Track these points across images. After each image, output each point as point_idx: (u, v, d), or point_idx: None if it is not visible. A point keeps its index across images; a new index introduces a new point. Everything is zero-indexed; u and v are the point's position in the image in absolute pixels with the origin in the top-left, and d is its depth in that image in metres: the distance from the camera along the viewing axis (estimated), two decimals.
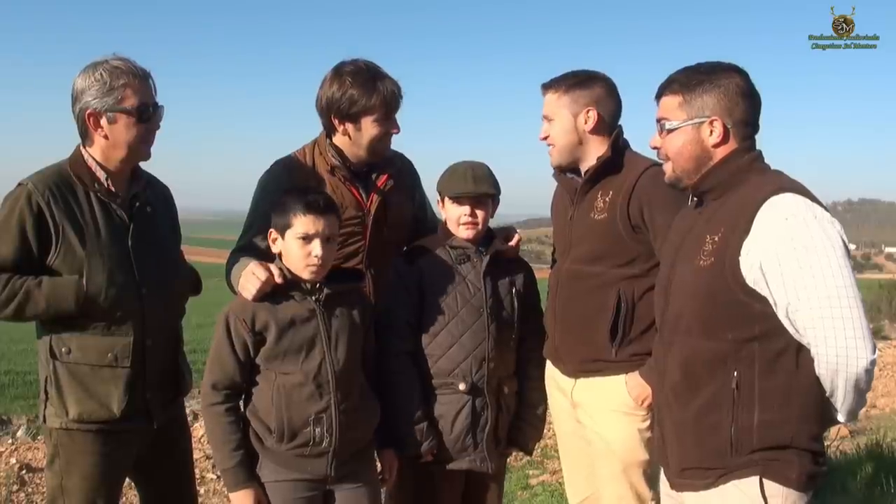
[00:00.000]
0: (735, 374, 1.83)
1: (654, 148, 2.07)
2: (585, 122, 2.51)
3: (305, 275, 2.28)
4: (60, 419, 2.26)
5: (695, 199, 2.05)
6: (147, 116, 2.30)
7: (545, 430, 4.22)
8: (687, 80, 1.96)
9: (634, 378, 2.46)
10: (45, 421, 2.31)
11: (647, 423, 2.51)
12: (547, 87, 2.58)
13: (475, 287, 2.56)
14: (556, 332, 2.62)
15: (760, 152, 1.97)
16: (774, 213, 1.79)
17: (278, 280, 2.26)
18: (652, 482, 2.58)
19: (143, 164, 2.45)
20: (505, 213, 2.79)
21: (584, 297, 2.53)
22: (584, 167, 2.57)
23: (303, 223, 2.24)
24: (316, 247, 2.25)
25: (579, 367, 2.57)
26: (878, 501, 3.98)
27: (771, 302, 1.79)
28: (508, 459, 3.62)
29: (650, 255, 2.45)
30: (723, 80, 1.92)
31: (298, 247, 2.25)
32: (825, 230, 1.77)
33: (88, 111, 2.25)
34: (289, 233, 2.26)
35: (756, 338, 1.82)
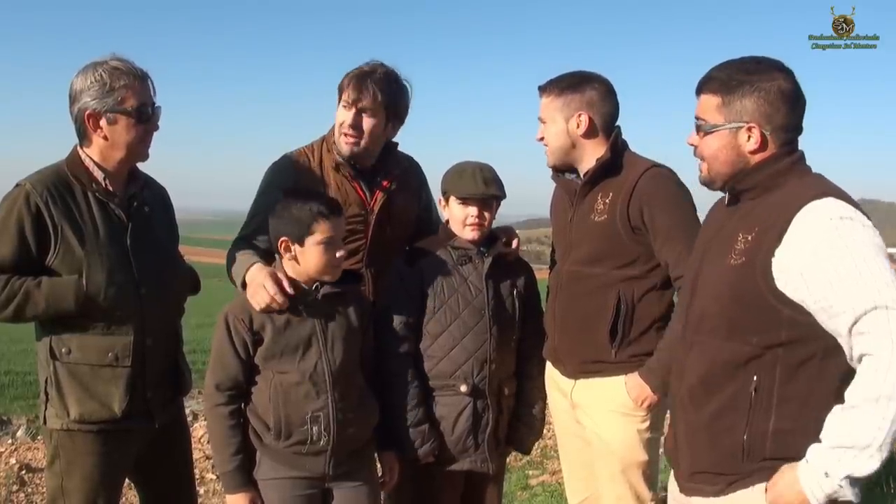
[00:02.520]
0: (755, 378, 1.76)
1: (691, 145, 1.97)
2: (577, 127, 2.50)
3: (331, 276, 2.32)
4: (62, 420, 2.26)
5: (728, 196, 1.97)
6: (146, 117, 2.30)
7: (545, 431, 4.21)
8: (727, 80, 1.84)
9: (634, 379, 2.46)
10: (45, 422, 2.30)
11: (647, 423, 2.51)
12: (542, 89, 2.58)
13: (477, 289, 2.56)
14: (556, 333, 2.62)
15: (802, 153, 1.88)
16: (815, 217, 1.71)
17: (290, 291, 2.27)
18: (651, 483, 2.59)
19: (141, 165, 2.44)
20: (505, 213, 2.78)
21: (583, 299, 2.53)
22: (582, 168, 2.57)
23: (324, 229, 2.26)
24: (340, 249, 2.31)
25: (579, 368, 2.57)
26: (878, 501, 3.98)
27: (808, 305, 1.70)
28: (508, 459, 3.61)
29: (650, 256, 2.45)
30: (764, 83, 1.81)
31: (321, 252, 2.26)
32: (868, 235, 1.69)
33: (88, 112, 2.25)
34: (309, 240, 2.26)
35: (782, 344, 1.74)
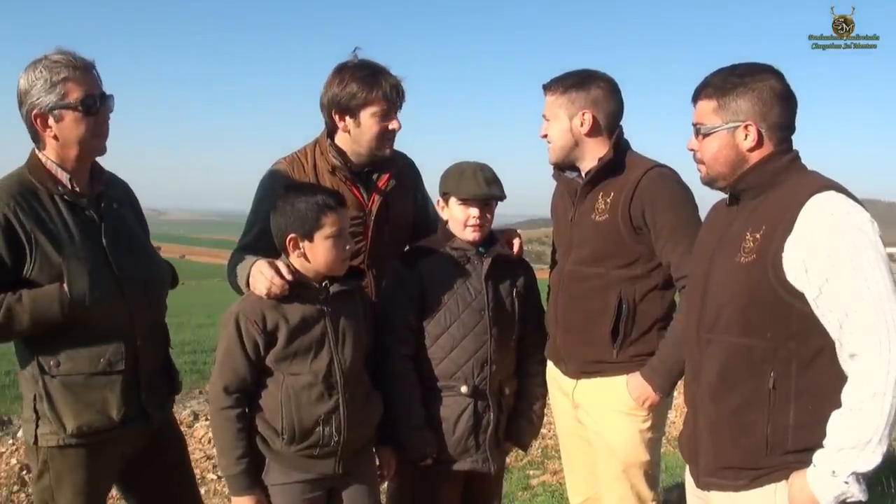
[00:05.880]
0: (772, 374, 1.82)
1: (691, 150, 2.04)
2: (581, 125, 2.50)
3: (341, 270, 2.32)
4: (57, 436, 2.16)
5: (729, 197, 2.03)
6: (94, 109, 2.16)
7: (546, 431, 4.20)
8: (722, 84, 1.94)
9: (635, 378, 2.46)
10: (36, 441, 2.18)
11: (648, 423, 2.52)
12: (546, 87, 2.58)
13: (476, 290, 2.55)
14: (558, 333, 2.62)
15: (797, 152, 1.96)
16: (819, 210, 1.78)
17: (288, 276, 2.25)
18: (653, 483, 2.59)
19: (119, 164, 2.38)
20: (505, 214, 2.78)
21: (585, 299, 2.53)
22: (583, 167, 2.57)
23: (333, 222, 2.24)
24: (348, 242, 2.31)
25: (581, 368, 2.57)
26: (878, 501, 3.98)
27: (808, 297, 1.77)
28: (508, 459, 3.60)
29: (651, 256, 2.45)
30: (757, 84, 1.90)
31: (332, 245, 2.25)
32: (865, 230, 1.75)
33: (35, 112, 2.13)
34: (318, 234, 2.24)
35: (794, 336, 1.80)
